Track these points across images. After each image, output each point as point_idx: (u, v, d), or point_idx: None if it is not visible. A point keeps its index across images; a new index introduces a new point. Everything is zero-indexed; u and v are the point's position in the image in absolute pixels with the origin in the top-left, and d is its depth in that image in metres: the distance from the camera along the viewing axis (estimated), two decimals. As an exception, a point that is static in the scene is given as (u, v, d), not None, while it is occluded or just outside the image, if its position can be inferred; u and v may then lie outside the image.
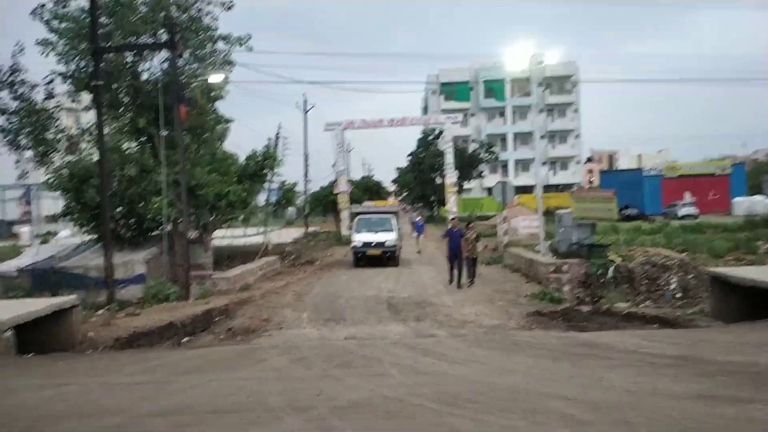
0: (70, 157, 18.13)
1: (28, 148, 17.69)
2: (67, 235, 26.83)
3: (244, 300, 14.03)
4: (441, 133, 47.45)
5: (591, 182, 79.01)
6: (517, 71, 26.16)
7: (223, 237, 24.16)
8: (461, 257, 15.66)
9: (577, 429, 4.40)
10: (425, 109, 79.48)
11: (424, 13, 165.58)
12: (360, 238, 21.90)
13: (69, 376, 7.14)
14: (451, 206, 38.26)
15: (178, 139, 15.95)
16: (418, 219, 31.69)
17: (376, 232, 21.93)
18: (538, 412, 4.77)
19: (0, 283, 16.88)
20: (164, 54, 17.43)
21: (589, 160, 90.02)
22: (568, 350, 7.56)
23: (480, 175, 58.87)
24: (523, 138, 74.19)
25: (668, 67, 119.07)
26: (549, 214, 25.13)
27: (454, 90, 62.77)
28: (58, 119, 17.83)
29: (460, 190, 50.64)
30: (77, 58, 17.50)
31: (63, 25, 17.35)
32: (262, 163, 20.66)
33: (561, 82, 73.29)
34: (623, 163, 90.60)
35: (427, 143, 56.67)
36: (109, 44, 16.83)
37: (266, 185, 22.61)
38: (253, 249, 23.53)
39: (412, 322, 11.01)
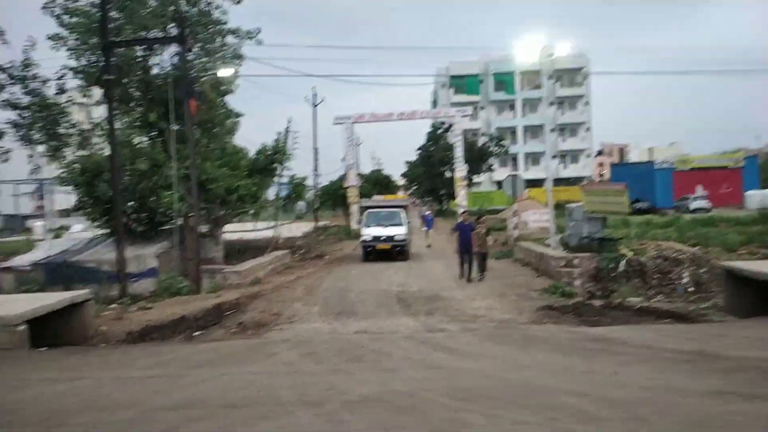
0: (81, 152, 18.27)
1: (41, 143, 17.86)
2: (80, 229, 27.05)
3: (255, 294, 14.05)
4: (450, 126, 47.24)
5: (602, 175, 78.43)
6: (528, 64, 25.91)
7: (234, 231, 24.24)
8: (471, 251, 15.60)
9: (590, 425, 4.36)
10: (435, 103, 79.15)
11: (434, 3, 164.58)
12: (369, 232, 21.72)
13: (82, 370, 7.19)
14: (461, 200, 38.14)
15: (189, 134, 16.02)
16: (427, 213, 31.59)
17: (386, 226, 21.79)
18: (551, 408, 4.74)
19: (14, 277, 17.10)
20: (174, 48, 17.48)
21: (600, 153, 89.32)
22: (581, 345, 7.52)
23: (490, 169, 58.51)
24: (533, 131, 73.69)
25: (680, 60, 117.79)
26: (559, 207, 24.93)
27: (463, 83, 62.68)
28: (69, 114, 17.97)
29: (470, 184, 50.40)
30: (88, 52, 17.63)
31: (74, 19, 17.46)
32: (272, 158, 20.67)
33: (572, 75, 72.67)
34: (634, 156, 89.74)
35: (437, 137, 56.50)
36: (119, 39, 16.91)
37: (276, 179, 22.65)
38: (264, 243, 23.62)
39: (422, 316, 10.98)
